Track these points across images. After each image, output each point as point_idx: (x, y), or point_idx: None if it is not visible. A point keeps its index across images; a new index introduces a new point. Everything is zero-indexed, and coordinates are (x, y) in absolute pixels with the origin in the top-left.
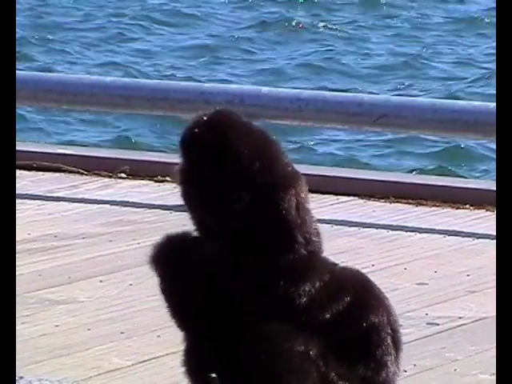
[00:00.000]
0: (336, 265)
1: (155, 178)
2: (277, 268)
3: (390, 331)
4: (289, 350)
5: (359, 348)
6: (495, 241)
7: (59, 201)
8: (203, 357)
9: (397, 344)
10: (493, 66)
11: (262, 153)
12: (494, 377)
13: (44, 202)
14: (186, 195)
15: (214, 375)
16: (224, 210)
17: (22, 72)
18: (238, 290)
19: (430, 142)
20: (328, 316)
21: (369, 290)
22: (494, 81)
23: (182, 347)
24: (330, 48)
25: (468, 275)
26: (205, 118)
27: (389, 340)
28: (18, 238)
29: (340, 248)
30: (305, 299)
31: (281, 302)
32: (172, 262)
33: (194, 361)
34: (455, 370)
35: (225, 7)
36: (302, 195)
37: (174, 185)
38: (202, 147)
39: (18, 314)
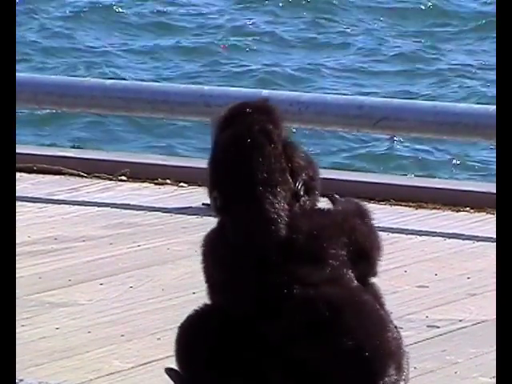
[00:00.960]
0: (327, 277)
1: (155, 181)
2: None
3: (363, 357)
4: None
5: (322, 370)
6: (495, 243)
7: (59, 203)
8: (206, 329)
9: (371, 369)
10: None
11: (244, 159)
12: (495, 380)
13: (44, 205)
14: None
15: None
16: (211, 203)
17: (22, 74)
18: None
19: None
20: (283, 330)
21: (339, 314)
22: None
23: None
24: None
25: (468, 278)
26: (228, 108)
27: (357, 362)
28: (18, 241)
29: None
30: (259, 306)
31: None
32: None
33: (197, 332)
34: (456, 372)
35: None
36: (271, 208)
37: (175, 187)
38: (213, 139)
39: (18, 317)
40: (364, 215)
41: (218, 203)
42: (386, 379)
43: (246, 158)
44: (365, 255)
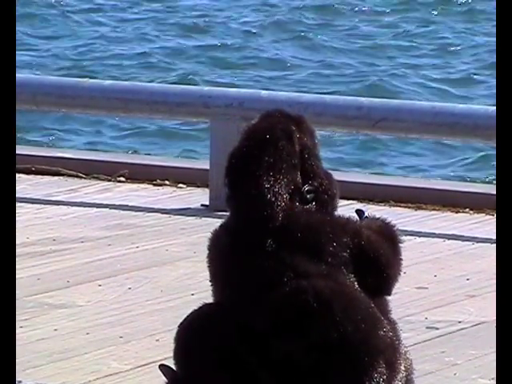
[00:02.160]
0: (322, 271)
1: (154, 182)
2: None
3: (350, 350)
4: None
5: (308, 362)
6: (495, 245)
7: (58, 204)
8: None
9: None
10: None
11: (255, 145)
12: (494, 381)
13: (43, 206)
14: None
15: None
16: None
17: (21, 75)
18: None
19: None
20: (271, 318)
21: (328, 306)
22: None
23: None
24: None
25: (468, 279)
26: (264, 112)
27: (343, 355)
28: (16, 242)
29: None
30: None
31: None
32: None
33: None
34: (455, 374)
35: None
36: (270, 190)
37: (173, 188)
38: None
39: (16, 318)
40: (388, 234)
41: (227, 190)
42: (375, 375)
43: (257, 145)
44: (374, 266)
